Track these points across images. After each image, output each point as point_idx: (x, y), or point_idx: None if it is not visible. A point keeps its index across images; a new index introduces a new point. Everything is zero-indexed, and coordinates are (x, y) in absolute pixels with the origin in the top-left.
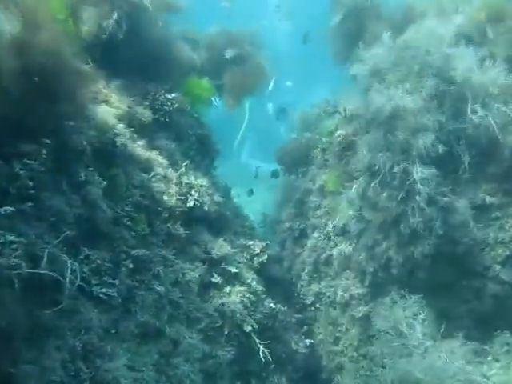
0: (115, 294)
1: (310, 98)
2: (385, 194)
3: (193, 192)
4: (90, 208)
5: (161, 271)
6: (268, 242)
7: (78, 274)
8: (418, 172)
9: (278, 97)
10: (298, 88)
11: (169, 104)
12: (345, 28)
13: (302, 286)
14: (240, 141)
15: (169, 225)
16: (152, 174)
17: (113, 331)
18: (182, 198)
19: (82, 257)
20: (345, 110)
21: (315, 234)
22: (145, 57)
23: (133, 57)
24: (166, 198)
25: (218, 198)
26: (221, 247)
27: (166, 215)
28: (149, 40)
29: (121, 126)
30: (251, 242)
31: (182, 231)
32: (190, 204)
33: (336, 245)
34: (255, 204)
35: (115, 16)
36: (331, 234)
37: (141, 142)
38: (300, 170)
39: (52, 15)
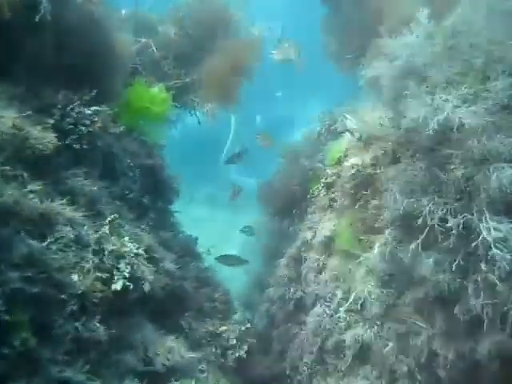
0: None
1: (304, 111)
2: (430, 260)
3: (122, 265)
4: None
5: None
6: (248, 325)
7: None
8: (489, 228)
9: (268, 109)
10: (291, 98)
11: (87, 122)
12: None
13: (299, 383)
14: (226, 157)
15: (78, 324)
16: (51, 239)
17: None
18: (104, 276)
19: None
20: (359, 130)
21: (318, 308)
22: (62, 51)
23: (46, 51)
24: (75, 278)
25: (169, 265)
26: (171, 350)
27: (75, 307)
28: (70, 25)
29: None
30: (223, 328)
31: (102, 331)
32: (117, 286)
33: (349, 326)
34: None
35: None
36: (342, 309)
37: (35, 186)
38: (294, 213)
39: None
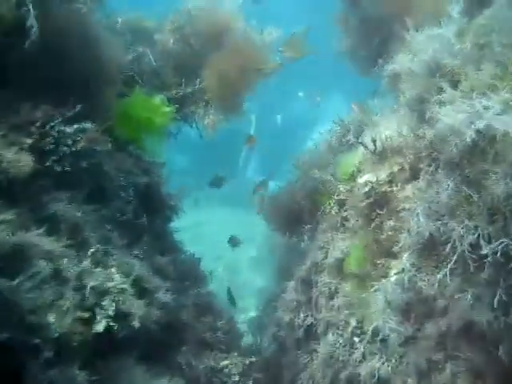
0: None
1: (323, 112)
2: (467, 296)
3: (106, 302)
4: None
5: None
6: (253, 358)
7: None
8: None
9: (288, 109)
10: (312, 98)
11: (69, 142)
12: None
13: None
14: (245, 156)
15: (54, 372)
16: (24, 275)
17: None
18: (86, 315)
19: None
20: (374, 142)
21: (330, 337)
22: (44, 60)
23: (24, 60)
24: (51, 319)
25: (163, 296)
26: None
27: (50, 353)
28: (53, 31)
29: None
30: (225, 362)
31: (82, 378)
32: (99, 327)
33: (364, 358)
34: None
35: None
36: (356, 339)
37: (8, 215)
38: (304, 230)
39: None
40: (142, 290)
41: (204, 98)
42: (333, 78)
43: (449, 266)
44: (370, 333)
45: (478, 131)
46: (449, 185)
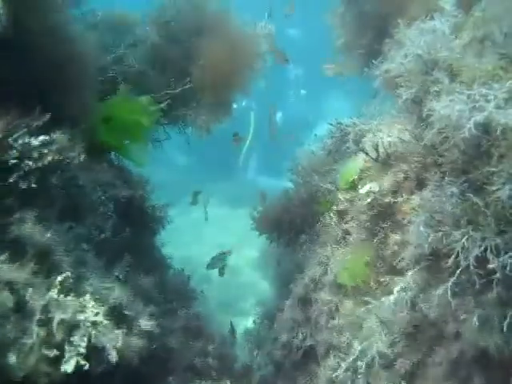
0: None
1: (321, 110)
2: (472, 318)
3: (76, 338)
4: None
5: None
6: None
7: None
8: None
9: (289, 107)
10: (314, 97)
11: (35, 156)
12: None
13: None
14: (245, 156)
15: None
16: None
17: None
18: (53, 354)
19: None
20: (376, 148)
21: (331, 360)
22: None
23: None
24: (12, 359)
25: (146, 323)
26: None
27: None
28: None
29: None
30: None
31: None
32: (68, 366)
33: None
34: None
35: None
36: (360, 363)
37: None
38: (301, 240)
39: None
40: (121, 317)
41: (195, 99)
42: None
43: (450, 281)
44: (373, 357)
45: (477, 124)
46: (452, 191)
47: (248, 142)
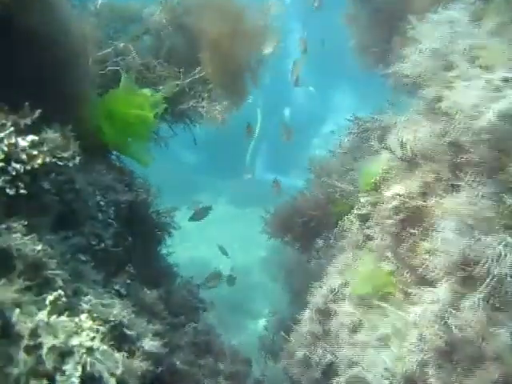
0: None
1: (329, 108)
2: (504, 334)
3: (69, 366)
4: None
5: None
6: None
7: None
8: None
9: (297, 103)
10: (322, 93)
11: (23, 158)
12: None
13: None
14: (252, 153)
15: None
16: None
17: None
18: None
19: None
20: (402, 144)
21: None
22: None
23: None
24: None
25: (149, 344)
26: None
27: None
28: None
29: None
30: None
31: None
32: None
33: None
34: None
35: None
36: (386, 382)
37: None
38: (316, 245)
39: None
40: (122, 338)
41: (206, 89)
42: (343, 74)
43: (482, 292)
44: (400, 376)
45: (498, 112)
46: (485, 193)
47: (254, 139)
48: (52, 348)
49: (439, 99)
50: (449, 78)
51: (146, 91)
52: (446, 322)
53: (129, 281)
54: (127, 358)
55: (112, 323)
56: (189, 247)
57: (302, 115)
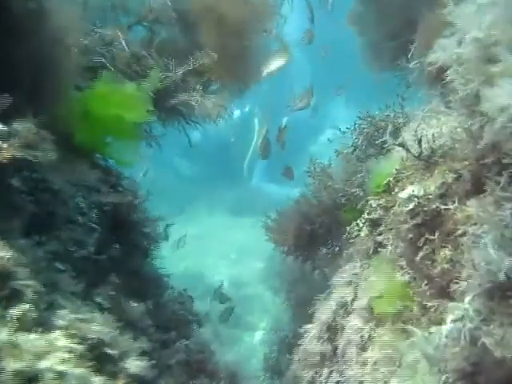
0: None
1: (327, 117)
2: None
3: None
4: None
5: None
6: None
7: None
8: None
9: (296, 113)
10: (320, 101)
11: None
12: None
13: None
14: (250, 161)
15: None
16: None
17: None
18: None
19: None
20: (419, 142)
21: None
22: None
23: None
24: None
25: (134, 365)
26: None
27: None
28: None
29: None
30: None
31: None
32: None
33: None
34: None
35: None
36: None
37: None
38: (322, 254)
39: None
40: (103, 358)
41: (201, 81)
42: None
43: None
44: None
45: None
46: None
47: (253, 146)
48: (15, 372)
49: (476, 95)
50: (490, 73)
51: (131, 86)
52: (473, 341)
53: (112, 292)
54: (108, 381)
55: (91, 341)
56: (183, 257)
57: (300, 124)
